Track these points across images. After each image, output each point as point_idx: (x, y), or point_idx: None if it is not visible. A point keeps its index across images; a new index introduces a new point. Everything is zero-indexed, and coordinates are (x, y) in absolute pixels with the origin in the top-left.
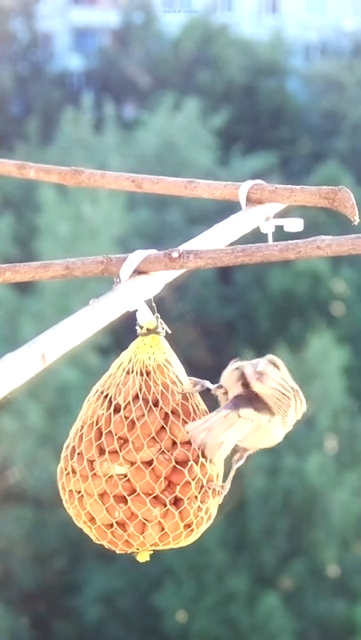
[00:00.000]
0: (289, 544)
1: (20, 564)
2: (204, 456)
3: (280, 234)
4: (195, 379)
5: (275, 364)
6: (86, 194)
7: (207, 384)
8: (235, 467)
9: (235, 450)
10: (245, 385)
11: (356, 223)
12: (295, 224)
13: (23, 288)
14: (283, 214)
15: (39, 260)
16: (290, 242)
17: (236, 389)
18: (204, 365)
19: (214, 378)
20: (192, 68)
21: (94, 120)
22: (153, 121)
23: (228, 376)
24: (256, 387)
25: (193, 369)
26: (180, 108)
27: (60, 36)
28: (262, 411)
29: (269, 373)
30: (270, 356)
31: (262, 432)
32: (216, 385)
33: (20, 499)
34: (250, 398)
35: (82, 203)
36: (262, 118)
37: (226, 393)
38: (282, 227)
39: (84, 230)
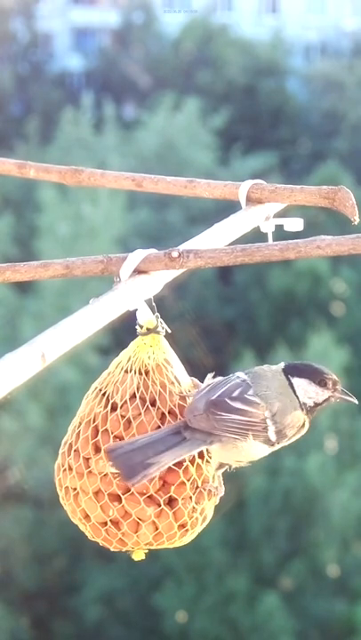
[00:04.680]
0: (289, 544)
1: (20, 563)
2: (119, 477)
3: (280, 233)
4: (196, 380)
5: (241, 396)
6: (86, 194)
7: None
8: (217, 474)
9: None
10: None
11: (356, 223)
12: (295, 224)
13: (23, 288)
14: (283, 214)
15: (39, 259)
16: (290, 241)
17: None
18: (204, 365)
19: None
20: (192, 68)
21: (94, 120)
22: (153, 121)
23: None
24: (193, 424)
25: (193, 369)
26: (180, 108)
27: (60, 36)
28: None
29: (222, 408)
30: (246, 378)
31: (230, 451)
32: None
33: (19, 499)
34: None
35: (82, 203)
36: (262, 118)
37: None
38: (282, 226)
39: (84, 230)
